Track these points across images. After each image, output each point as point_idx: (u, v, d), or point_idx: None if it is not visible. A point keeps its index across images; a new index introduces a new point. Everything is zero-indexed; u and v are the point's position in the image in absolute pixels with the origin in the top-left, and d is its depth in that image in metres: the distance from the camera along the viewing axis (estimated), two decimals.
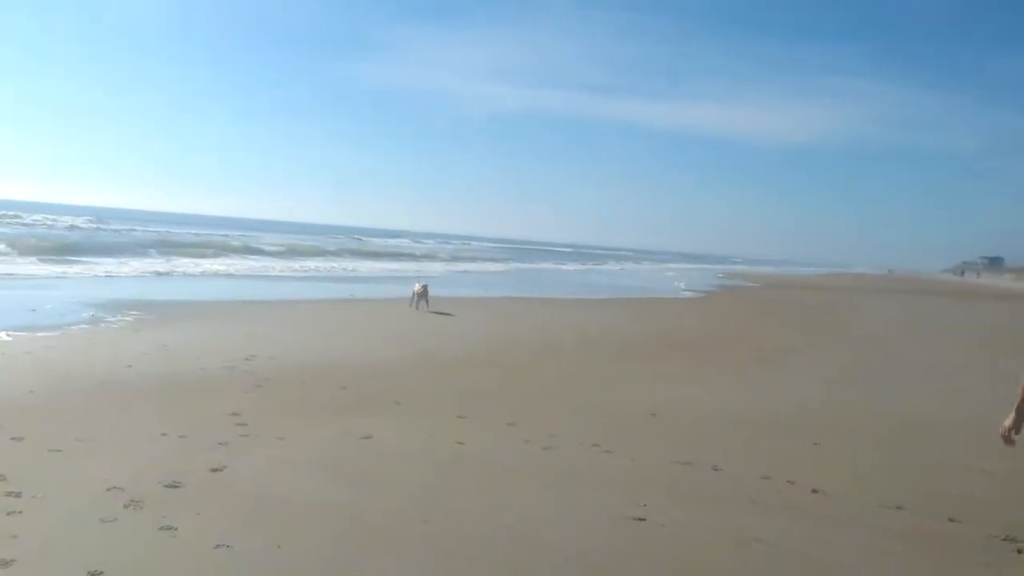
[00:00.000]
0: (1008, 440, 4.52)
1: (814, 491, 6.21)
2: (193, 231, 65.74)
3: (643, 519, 5.37)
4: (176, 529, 4.76)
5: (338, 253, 52.63)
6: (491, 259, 66.43)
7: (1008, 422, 4.51)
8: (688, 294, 34.54)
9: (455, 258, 62.64)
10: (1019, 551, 5.14)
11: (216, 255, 37.99)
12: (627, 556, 4.78)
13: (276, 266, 35.22)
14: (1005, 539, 5.33)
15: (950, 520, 5.69)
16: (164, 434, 6.79)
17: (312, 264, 38.88)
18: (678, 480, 6.37)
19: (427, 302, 18.58)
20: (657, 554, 4.82)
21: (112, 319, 13.93)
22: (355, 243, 72.89)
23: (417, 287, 19.00)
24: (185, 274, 26.96)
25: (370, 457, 6.56)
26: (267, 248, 49.10)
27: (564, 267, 65.15)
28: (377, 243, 78.24)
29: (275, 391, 8.89)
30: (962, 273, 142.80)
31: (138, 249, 37.19)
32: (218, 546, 4.55)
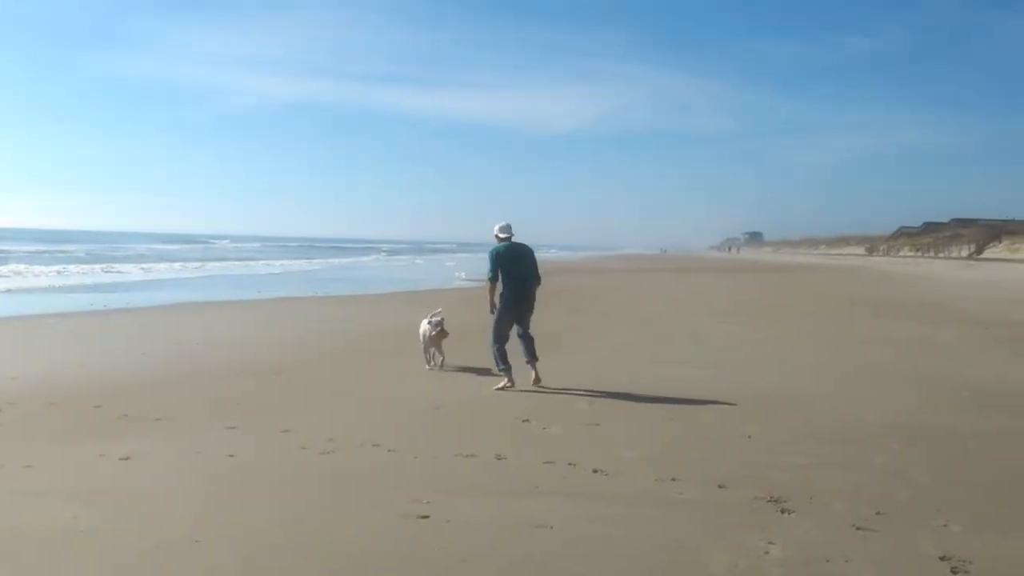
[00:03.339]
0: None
1: (595, 471, 6.30)
2: None
3: (427, 516, 5.24)
4: None
5: (88, 260, 48.80)
6: (254, 258, 63.48)
7: None
8: (467, 284, 34.79)
9: (216, 259, 59.45)
10: (783, 511, 5.42)
11: None
12: (412, 555, 4.63)
13: (16, 278, 31.93)
14: (770, 500, 5.62)
15: (720, 487, 5.93)
16: None
17: (57, 273, 35.42)
18: (462, 473, 6.29)
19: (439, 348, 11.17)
20: (443, 550, 4.70)
21: None
22: (106, 249, 68.24)
23: (427, 325, 11.19)
24: None
25: (130, 480, 6.03)
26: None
27: (335, 262, 63.83)
28: (134, 248, 73.74)
29: (19, 415, 8.07)
30: (728, 249, 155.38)
31: None
32: None
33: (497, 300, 9.87)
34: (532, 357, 9.76)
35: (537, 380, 9.71)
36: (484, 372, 10.38)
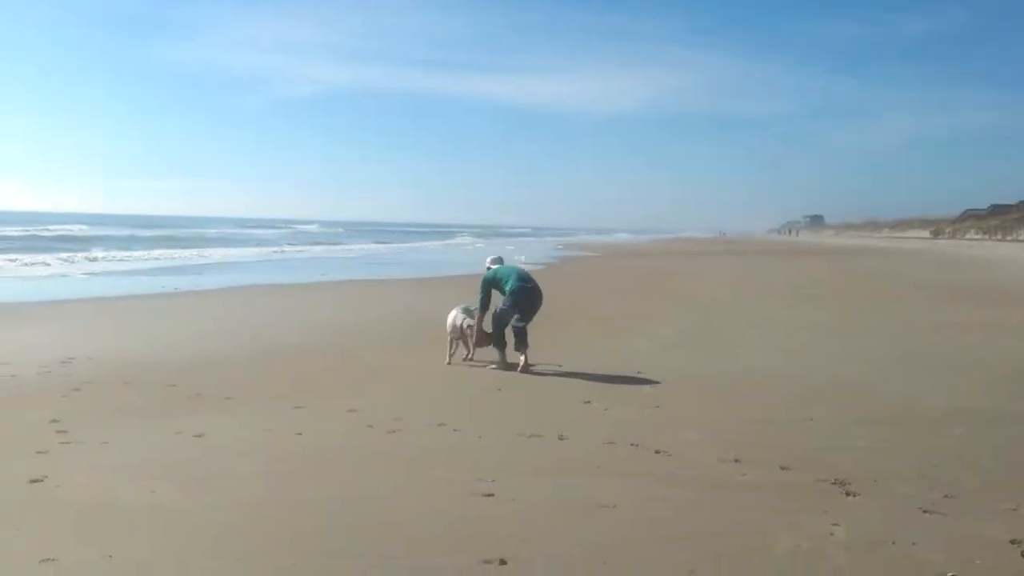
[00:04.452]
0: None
1: (657, 452, 6.35)
2: None
3: (491, 494, 5.33)
4: None
5: (155, 244, 49.94)
6: (321, 243, 64.62)
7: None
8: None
9: (286, 242, 60.79)
10: (847, 493, 5.40)
11: (17, 251, 35.27)
12: (476, 532, 4.71)
13: (89, 261, 32.84)
14: (834, 483, 5.61)
15: (783, 468, 5.94)
16: None
17: (128, 257, 36.35)
18: (525, 453, 6.37)
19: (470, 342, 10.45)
20: (506, 528, 4.78)
21: None
22: (173, 232, 69.73)
23: (456, 317, 10.50)
24: None
25: (203, 456, 6.22)
26: (77, 242, 46.18)
27: (400, 245, 64.60)
28: (202, 232, 75.16)
29: (97, 394, 8.33)
30: (788, 232, 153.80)
31: None
32: (43, 560, 4.25)
33: (503, 305, 10.20)
34: (523, 345, 9.98)
35: (526, 367, 9.84)
36: (540, 359, 10.39)
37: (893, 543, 4.56)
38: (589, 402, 8.15)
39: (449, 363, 10.29)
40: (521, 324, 10.06)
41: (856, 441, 6.71)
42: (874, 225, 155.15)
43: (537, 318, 10.22)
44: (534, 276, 10.68)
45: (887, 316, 16.48)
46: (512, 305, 10.15)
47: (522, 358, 9.90)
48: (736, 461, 6.10)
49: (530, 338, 10.00)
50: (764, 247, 72.32)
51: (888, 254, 53.69)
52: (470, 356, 10.55)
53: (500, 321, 10.18)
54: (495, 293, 10.46)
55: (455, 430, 7.00)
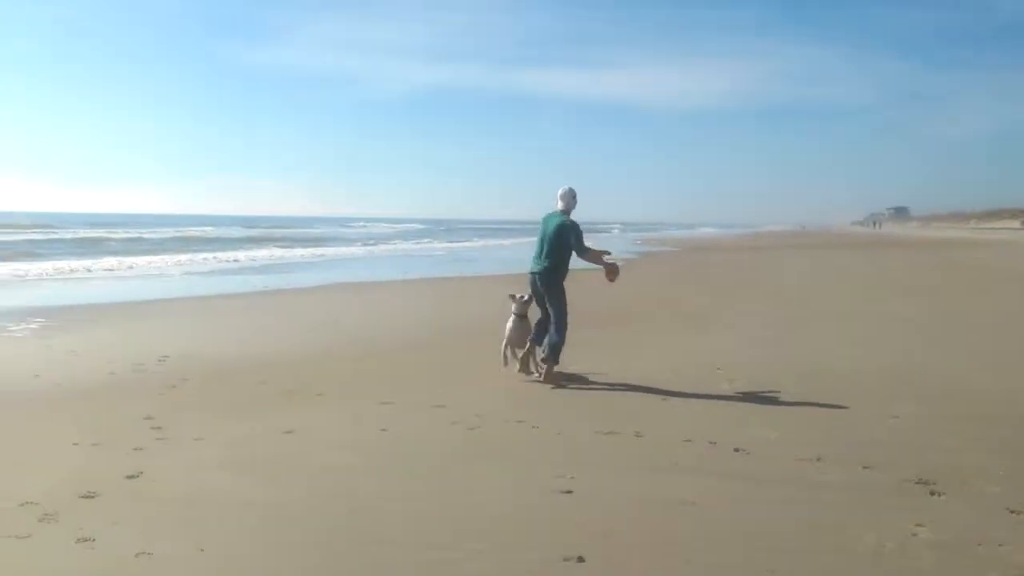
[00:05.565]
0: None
1: (736, 450, 6.34)
2: (85, 230, 64.15)
3: (571, 491, 5.40)
4: (94, 540, 4.61)
5: (246, 243, 51.45)
6: (411, 239, 66.29)
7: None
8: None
9: (376, 240, 62.65)
10: (932, 493, 5.34)
11: (111, 253, 36.85)
12: (557, 528, 4.79)
13: (180, 261, 33.97)
14: (918, 482, 5.53)
15: (864, 468, 5.87)
16: (76, 444, 6.56)
17: (220, 256, 37.60)
18: (603, 450, 6.43)
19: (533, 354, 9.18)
20: (586, 524, 4.85)
21: (15, 327, 13.31)
22: (265, 232, 71.68)
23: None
24: (86, 275, 25.93)
25: (293, 452, 6.43)
26: (166, 243, 48.02)
27: (490, 243, 65.38)
28: (293, 232, 77.09)
29: (191, 391, 8.65)
30: (872, 224, 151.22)
31: (31, 251, 36.01)
32: (139, 554, 4.42)
33: None
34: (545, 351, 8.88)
35: (538, 372, 9.03)
36: (615, 355, 10.37)
37: (979, 544, 4.50)
38: (666, 399, 8.16)
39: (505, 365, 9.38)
40: (549, 316, 8.98)
41: (944, 440, 6.59)
42: (960, 216, 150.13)
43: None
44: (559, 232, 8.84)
45: (979, 310, 16.00)
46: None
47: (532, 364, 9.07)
48: (817, 460, 6.06)
49: (564, 348, 9.01)
50: (847, 240, 70.56)
51: (977, 246, 51.88)
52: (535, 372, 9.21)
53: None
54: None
55: (534, 427, 7.09)
